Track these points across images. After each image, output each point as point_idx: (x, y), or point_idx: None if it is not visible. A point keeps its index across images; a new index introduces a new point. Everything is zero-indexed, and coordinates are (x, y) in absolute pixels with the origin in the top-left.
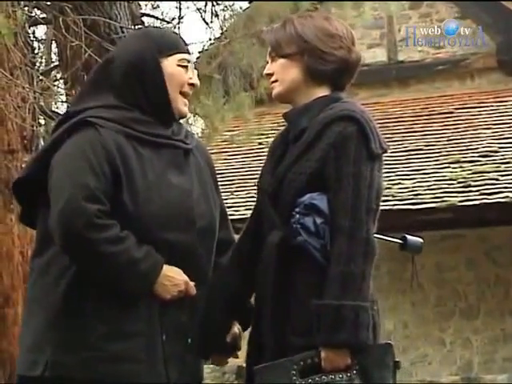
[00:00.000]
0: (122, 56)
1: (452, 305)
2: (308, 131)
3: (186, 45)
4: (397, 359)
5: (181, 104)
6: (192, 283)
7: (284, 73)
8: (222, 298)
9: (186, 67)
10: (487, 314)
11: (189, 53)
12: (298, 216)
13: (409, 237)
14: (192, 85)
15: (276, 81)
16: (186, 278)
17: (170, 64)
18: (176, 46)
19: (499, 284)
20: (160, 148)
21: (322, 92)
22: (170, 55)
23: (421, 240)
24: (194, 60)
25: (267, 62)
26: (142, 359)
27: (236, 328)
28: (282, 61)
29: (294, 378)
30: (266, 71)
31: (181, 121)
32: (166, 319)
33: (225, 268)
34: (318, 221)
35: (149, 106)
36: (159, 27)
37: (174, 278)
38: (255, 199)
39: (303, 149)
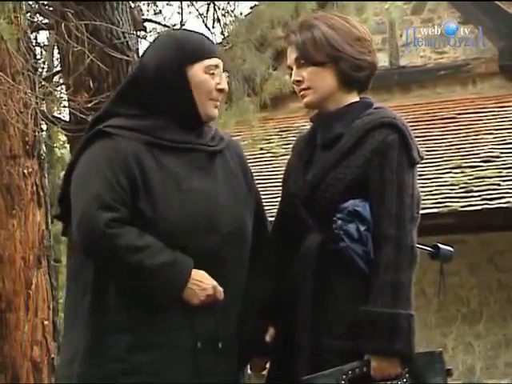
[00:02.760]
0: (149, 64)
1: (454, 310)
2: (346, 137)
3: (213, 45)
4: (449, 367)
5: (209, 108)
6: (220, 288)
7: (318, 81)
8: (258, 300)
9: (213, 73)
10: (489, 319)
11: (216, 56)
12: (340, 222)
13: (441, 246)
14: (220, 90)
15: (308, 88)
16: (213, 282)
17: (196, 72)
18: (202, 51)
19: (501, 289)
20: (182, 153)
21: (352, 97)
22: (196, 62)
23: (451, 249)
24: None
25: (290, 68)
26: (163, 371)
27: (272, 329)
28: (313, 68)
29: None
30: (294, 78)
31: None
32: (198, 326)
33: (257, 271)
34: (361, 228)
35: (175, 113)
36: (186, 29)
37: (201, 282)
38: (280, 202)
39: (342, 154)
